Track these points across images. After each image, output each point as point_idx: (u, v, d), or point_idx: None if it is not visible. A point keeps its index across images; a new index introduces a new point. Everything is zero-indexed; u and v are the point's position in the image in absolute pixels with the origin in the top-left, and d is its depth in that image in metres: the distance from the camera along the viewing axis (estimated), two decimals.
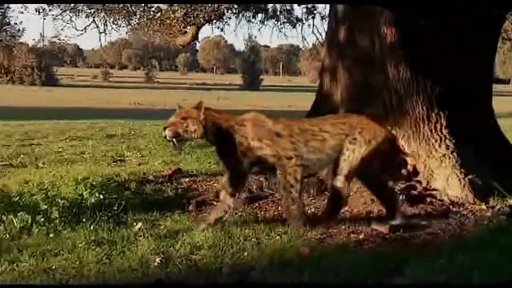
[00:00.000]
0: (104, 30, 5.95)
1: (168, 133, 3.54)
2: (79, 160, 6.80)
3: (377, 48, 4.81)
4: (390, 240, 3.48)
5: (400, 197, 4.19)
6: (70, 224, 3.60)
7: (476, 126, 4.59)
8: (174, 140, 3.56)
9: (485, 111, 5.00)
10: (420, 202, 4.25)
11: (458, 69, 4.66)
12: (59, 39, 6.83)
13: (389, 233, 3.57)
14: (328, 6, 5.71)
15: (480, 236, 3.49)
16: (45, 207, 3.74)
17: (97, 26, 5.89)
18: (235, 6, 5.34)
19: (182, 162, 6.12)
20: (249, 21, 6.61)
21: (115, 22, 5.87)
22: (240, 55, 70.48)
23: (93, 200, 3.97)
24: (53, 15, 5.80)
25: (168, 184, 4.90)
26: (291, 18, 7.02)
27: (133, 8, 5.66)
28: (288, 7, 6.93)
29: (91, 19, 5.79)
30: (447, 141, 4.56)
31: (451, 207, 4.19)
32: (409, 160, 4.60)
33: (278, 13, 6.89)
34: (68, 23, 5.78)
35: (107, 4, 5.57)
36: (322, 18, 7.00)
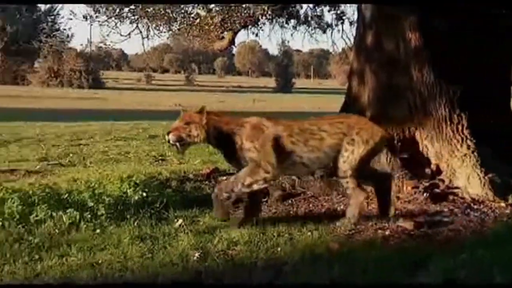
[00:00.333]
0: (147, 35, 6.16)
1: (171, 137, 3.63)
2: (124, 159, 7.02)
3: (402, 52, 4.93)
4: (414, 236, 3.55)
5: (424, 195, 4.36)
6: (115, 221, 3.71)
7: (495, 127, 4.72)
8: (177, 144, 3.64)
9: (504, 112, 5.10)
10: (443, 199, 4.38)
11: (478, 72, 4.78)
12: (105, 44, 7.07)
13: (414, 230, 3.64)
14: (356, 12, 5.78)
15: (499, 232, 3.57)
16: (92, 204, 3.84)
17: (140, 32, 6.10)
18: (269, 12, 5.45)
19: (219, 162, 6.25)
20: (282, 26, 6.70)
21: (157, 28, 6.07)
22: (273, 59, 70.65)
23: (136, 198, 4.08)
24: (99, 21, 6.04)
25: (207, 182, 5.00)
26: (322, 23, 7.08)
27: (174, 15, 5.84)
28: (319, 13, 7.01)
29: (134, 25, 6.01)
30: (468, 141, 4.67)
31: (472, 204, 4.29)
32: (432, 159, 4.72)
33: (309, 19, 6.96)
34: (113, 29, 6.01)
35: (149, 10, 5.78)
36: (351, 23, 7.02)
